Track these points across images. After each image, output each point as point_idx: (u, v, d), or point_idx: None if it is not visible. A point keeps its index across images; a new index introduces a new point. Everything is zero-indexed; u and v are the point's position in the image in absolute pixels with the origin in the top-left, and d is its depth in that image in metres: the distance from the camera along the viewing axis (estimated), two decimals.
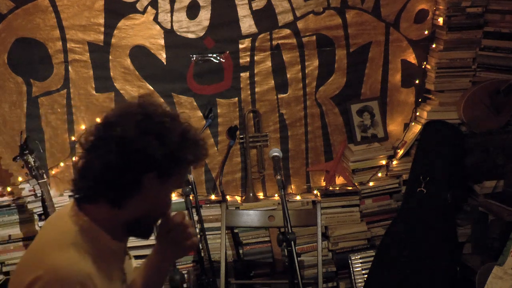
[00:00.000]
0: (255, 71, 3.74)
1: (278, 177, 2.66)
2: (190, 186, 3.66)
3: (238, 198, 3.84)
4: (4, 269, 3.48)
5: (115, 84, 3.61)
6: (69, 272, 1.38)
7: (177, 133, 1.46)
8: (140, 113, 1.45)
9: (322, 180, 3.96)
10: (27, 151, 3.25)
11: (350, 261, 3.72)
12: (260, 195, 3.87)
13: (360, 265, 3.73)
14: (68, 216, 1.50)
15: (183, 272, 3.63)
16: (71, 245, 1.43)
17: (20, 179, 3.54)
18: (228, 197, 3.77)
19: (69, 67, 3.53)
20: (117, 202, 1.46)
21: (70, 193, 1.54)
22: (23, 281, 1.39)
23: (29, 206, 3.44)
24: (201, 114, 3.73)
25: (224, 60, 3.69)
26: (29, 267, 1.43)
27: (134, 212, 1.48)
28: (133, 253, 3.52)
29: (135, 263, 1.87)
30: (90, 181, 1.45)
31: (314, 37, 3.74)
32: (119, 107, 1.52)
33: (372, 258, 3.68)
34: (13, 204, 3.48)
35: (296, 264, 2.42)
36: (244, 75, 3.74)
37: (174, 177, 1.50)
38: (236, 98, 3.77)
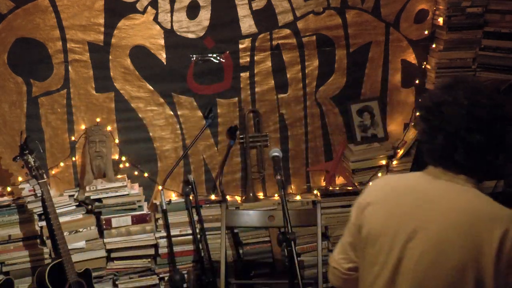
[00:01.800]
0: (255, 71, 3.75)
1: (278, 177, 2.65)
2: (190, 186, 3.67)
3: (238, 198, 3.84)
4: (4, 269, 3.48)
5: (115, 84, 3.61)
6: None
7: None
8: (487, 91, 1.68)
9: (322, 180, 3.96)
10: (27, 151, 3.24)
11: None
12: (260, 195, 3.88)
13: None
14: (469, 190, 1.76)
15: (183, 272, 3.63)
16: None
17: (20, 179, 3.54)
18: (228, 197, 3.77)
19: (69, 67, 3.53)
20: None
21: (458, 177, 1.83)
22: (489, 237, 1.56)
23: (29, 206, 3.44)
24: (201, 114, 3.73)
25: (224, 60, 3.69)
26: (490, 223, 1.59)
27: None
28: (132, 253, 3.51)
29: None
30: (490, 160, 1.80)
31: (314, 37, 3.75)
32: (471, 89, 1.69)
33: None
34: (13, 204, 3.48)
35: (296, 264, 2.42)
36: (244, 75, 3.74)
37: None
38: (236, 98, 3.77)
